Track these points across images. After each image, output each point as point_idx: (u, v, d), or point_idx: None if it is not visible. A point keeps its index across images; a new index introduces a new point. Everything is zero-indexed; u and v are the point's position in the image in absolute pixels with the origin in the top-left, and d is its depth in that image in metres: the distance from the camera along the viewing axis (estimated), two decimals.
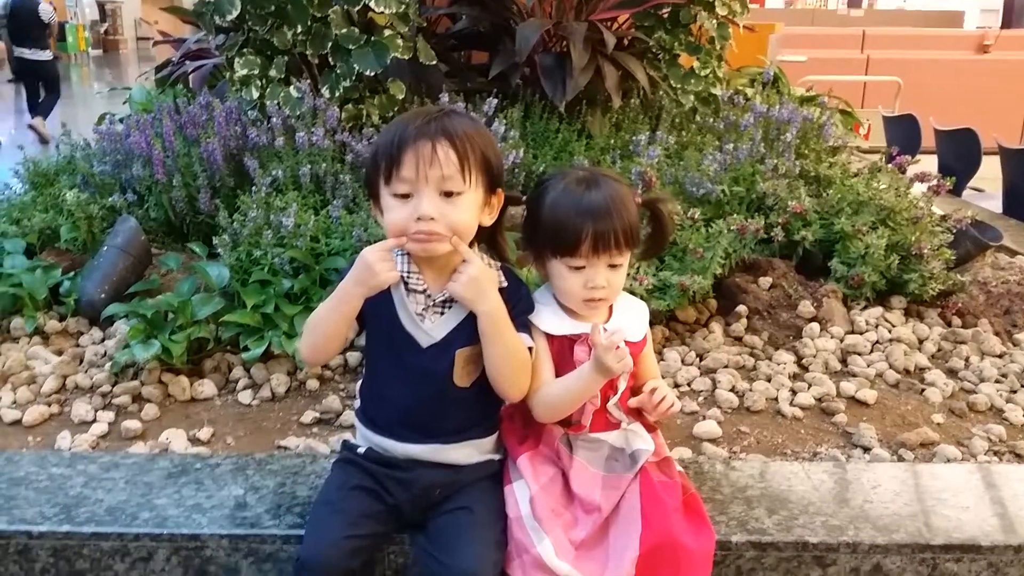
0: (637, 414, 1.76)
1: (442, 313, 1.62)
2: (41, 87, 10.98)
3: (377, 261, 1.53)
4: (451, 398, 1.63)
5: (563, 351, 1.67)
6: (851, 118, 5.06)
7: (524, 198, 1.73)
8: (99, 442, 2.13)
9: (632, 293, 1.90)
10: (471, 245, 1.61)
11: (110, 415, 2.22)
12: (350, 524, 1.57)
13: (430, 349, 1.61)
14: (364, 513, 1.60)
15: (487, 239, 1.71)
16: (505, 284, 1.63)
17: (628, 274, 2.39)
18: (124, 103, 4.81)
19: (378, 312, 1.62)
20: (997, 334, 2.77)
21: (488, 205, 1.62)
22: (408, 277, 1.61)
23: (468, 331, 1.60)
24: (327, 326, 1.60)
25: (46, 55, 11.07)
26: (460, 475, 1.65)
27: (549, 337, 1.67)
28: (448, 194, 1.53)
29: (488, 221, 1.63)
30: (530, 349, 1.62)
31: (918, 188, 3.13)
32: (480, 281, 1.56)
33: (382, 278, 1.54)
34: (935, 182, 3.07)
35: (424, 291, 1.61)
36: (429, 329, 1.61)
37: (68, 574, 1.72)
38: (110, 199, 3.05)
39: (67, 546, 1.70)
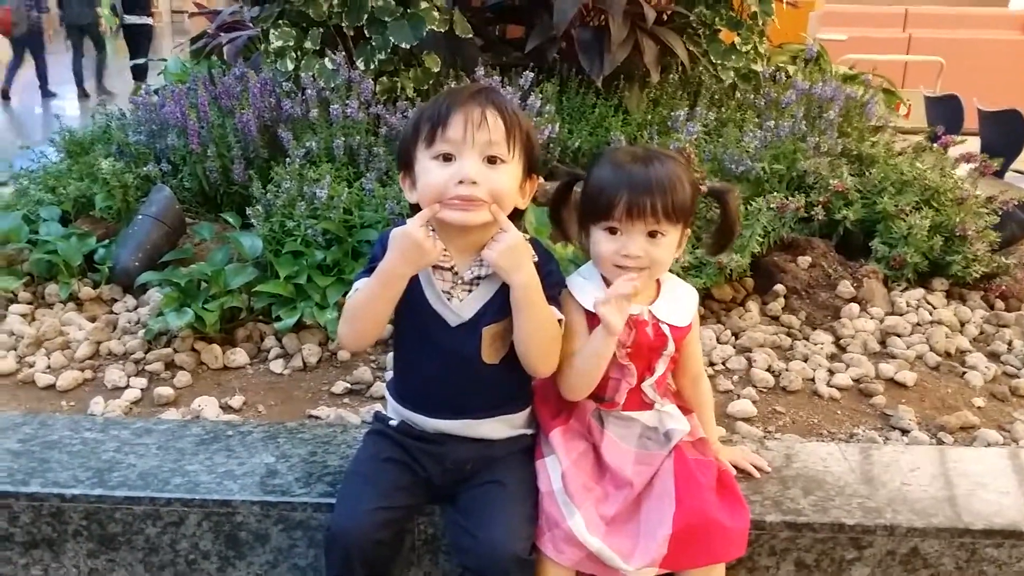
0: (673, 395, 1.74)
1: (470, 291, 1.59)
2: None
3: (425, 238, 1.48)
4: (481, 375, 1.60)
5: None
6: (894, 97, 4.95)
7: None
8: (132, 408, 2.14)
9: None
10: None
11: (143, 381, 2.23)
12: (382, 495, 1.56)
13: (458, 328, 1.58)
14: (396, 485, 1.59)
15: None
16: (536, 259, 1.58)
17: None
18: (159, 74, 4.82)
19: (405, 290, 1.57)
20: None
21: (523, 188, 1.59)
22: None
23: (496, 308, 1.58)
24: (375, 311, 1.55)
25: (148, 20, 12.63)
26: (492, 450, 1.64)
27: (589, 315, 1.63)
28: (492, 161, 1.51)
29: (522, 204, 1.61)
30: (560, 322, 1.59)
31: (963, 169, 3.06)
32: (517, 250, 1.52)
33: (433, 255, 1.50)
34: (980, 163, 3.00)
35: (452, 268, 1.58)
36: (457, 308, 1.58)
37: (100, 537, 1.73)
38: (145, 168, 3.06)
39: (99, 509, 1.71)
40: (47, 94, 11.76)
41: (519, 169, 1.55)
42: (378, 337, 1.67)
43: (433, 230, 1.53)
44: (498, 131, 1.50)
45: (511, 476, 1.60)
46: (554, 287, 1.61)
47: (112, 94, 11.10)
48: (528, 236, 1.62)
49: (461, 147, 1.49)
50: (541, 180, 1.66)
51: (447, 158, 1.50)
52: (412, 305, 1.58)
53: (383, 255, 1.53)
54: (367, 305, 1.55)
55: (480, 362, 1.59)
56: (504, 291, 1.55)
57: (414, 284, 1.57)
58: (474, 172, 1.48)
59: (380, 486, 1.58)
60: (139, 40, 12.38)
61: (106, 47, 12.46)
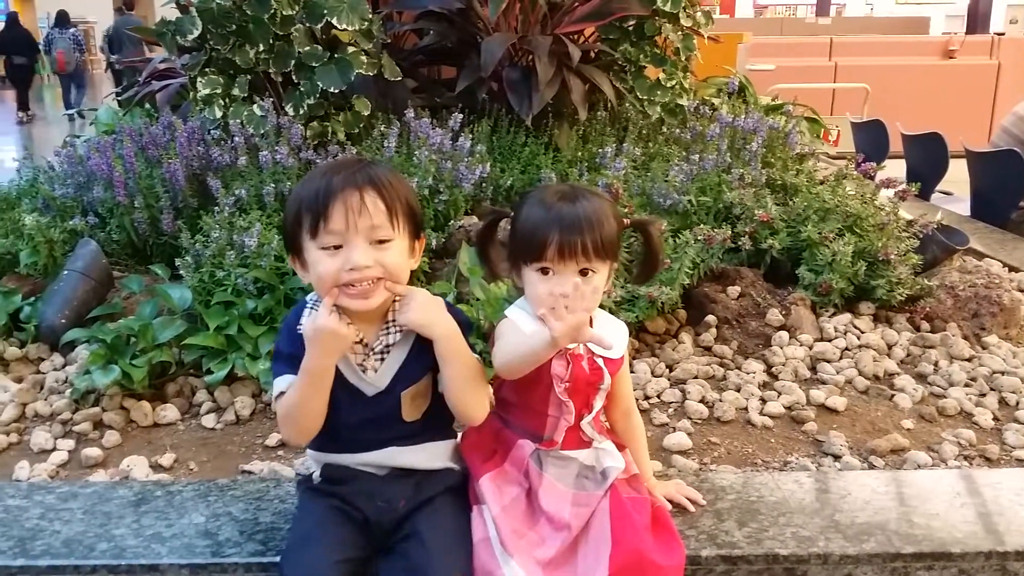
0: (608, 432, 1.75)
1: (382, 359, 1.61)
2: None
3: (338, 325, 1.50)
4: (401, 426, 1.63)
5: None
6: (818, 125, 5.07)
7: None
8: (58, 471, 2.08)
9: (600, 305, 1.88)
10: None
11: (70, 443, 2.18)
12: (331, 551, 1.53)
13: (375, 396, 1.61)
14: (341, 539, 1.57)
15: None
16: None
17: None
18: (90, 124, 4.76)
19: None
20: (965, 338, 2.77)
21: (412, 251, 1.61)
22: None
23: (410, 372, 1.61)
24: (314, 407, 1.55)
25: None
26: (421, 487, 1.63)
27: None
28: (379, 242, 1.52)
29: (413, 265, 1.63)
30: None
31: (885, 194, 3.13)
32: (428, 305, 1.56)
33: (350, 337, 1.53)
34: (901, 188, 3.08)
35: (361, 341, 1.60)
36: (372, 379, 1.60)
37: None
38: (71, 222, 3.00)
39: None
40: (72, 118, 14.70)
41: (406, 240, 1.57)
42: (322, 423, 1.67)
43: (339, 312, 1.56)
44: (380, 214, 1.51)
45: (441, 528, 1.59)
46: (464, 328, 1.64)
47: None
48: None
49: (346, 235, 1.50)
50: (472, 216, 1.69)
51: (335, 247, 1.51)
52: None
53: (288, 344, 1.58)
54: (304, 404, 1.56)
55: (400, 421, 1.62)
56: (414, 353, 1.60)
57: None
58: (363, 259, 1.50)
59: (327, 540, 1.55)
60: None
61: None
